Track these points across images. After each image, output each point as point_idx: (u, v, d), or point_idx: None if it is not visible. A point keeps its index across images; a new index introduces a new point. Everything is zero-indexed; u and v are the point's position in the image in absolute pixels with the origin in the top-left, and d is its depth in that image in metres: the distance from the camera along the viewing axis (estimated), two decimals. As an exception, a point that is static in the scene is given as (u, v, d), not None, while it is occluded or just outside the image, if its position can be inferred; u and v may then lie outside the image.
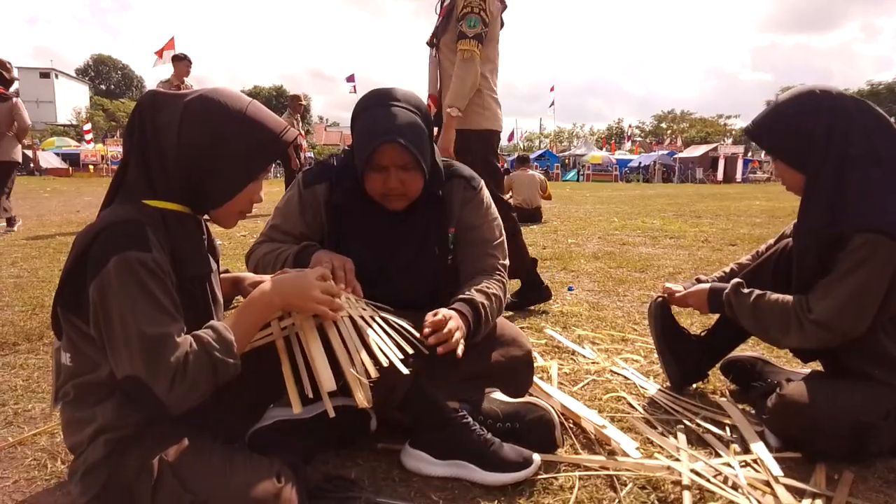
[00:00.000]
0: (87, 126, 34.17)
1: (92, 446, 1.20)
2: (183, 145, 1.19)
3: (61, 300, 1.19)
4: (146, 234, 1.14)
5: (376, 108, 1.59)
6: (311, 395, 1.28)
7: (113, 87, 74.20)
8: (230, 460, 1.19)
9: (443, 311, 1.49)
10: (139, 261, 1.11)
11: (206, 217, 1.33)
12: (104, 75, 75.37)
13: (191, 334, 1.16)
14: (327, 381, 1.26)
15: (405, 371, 1.32)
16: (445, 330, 1.43)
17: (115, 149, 34.84)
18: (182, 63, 7.32)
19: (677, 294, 2.00)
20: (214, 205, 1.27)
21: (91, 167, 31.26)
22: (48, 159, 30.26)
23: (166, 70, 12.39)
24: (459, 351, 1.43)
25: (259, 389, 1.41)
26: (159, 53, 12.99)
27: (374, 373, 1.29)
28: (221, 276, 1.47)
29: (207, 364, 1.14)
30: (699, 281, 2.06)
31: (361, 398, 1.28)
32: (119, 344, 1.10)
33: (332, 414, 1.29)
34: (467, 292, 1.61)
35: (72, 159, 32.06)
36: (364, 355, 1.31)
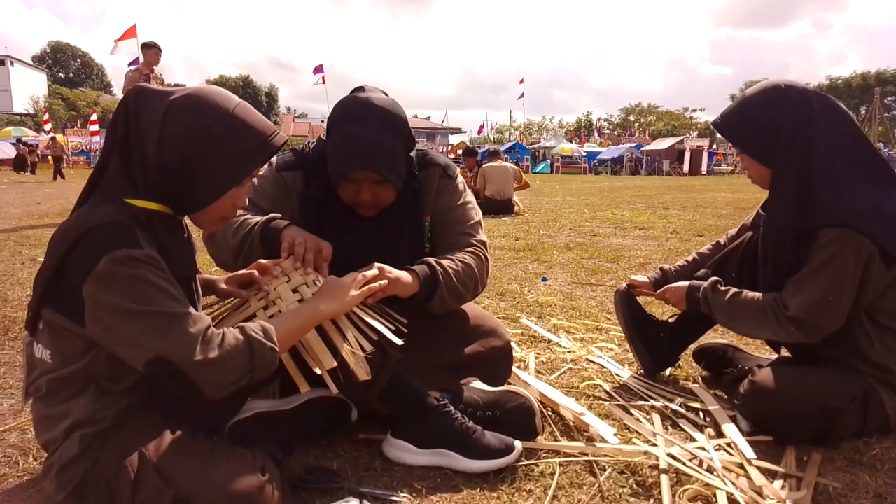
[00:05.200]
0: (46, 116, 33.00)
1: (67, 442, 1.17)
2: (164, 146, 1.15)
3: (47, 300, 1.14)
4: (136, 235, 1.11)
5: (355, 124, 1.57)
6: (317, 372, 1.29)
7: (72, 75, 71.86)
8: (212, 454, 1.17)
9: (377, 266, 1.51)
10: (132, 256, 1.08)
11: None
12: (62, 63, 72.89)
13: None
14: (327, 359, 1.27)
15: (398, 341, 1.36)
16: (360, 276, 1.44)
17: (75, 139, 33.76)
18: (152, 51, 7.08)
19: (658, 291, 2.01)
20: (195, 208, 1.23)
21: (50, 158, 30.23)
22: (4, 150, 29.22)
23: (123, 59, 12.07)
24: (371, 299, 1.43)
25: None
26: (118, 40, 12.58)
27: (368, 346, 1.31)
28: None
29: (244, 343, 1.12)
30: (662, 270, 2.11)
31: (361, 372, 1.31)
32: (133, 333, 1.07)
33: (334, 391, 1.32)
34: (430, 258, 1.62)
35: (30, 150, 30.92)
36: (355, 331, 1.34)
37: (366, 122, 1.56)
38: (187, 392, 1.11)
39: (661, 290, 2.00)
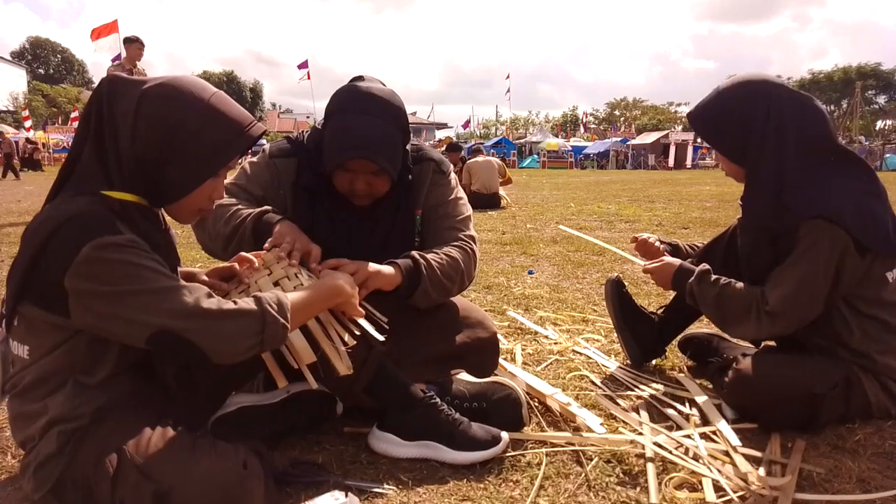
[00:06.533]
0: (26, 112, 32.42)
1: (44, 440, 1.15)
2: (137, 136, 1.13)
3: (23, 294, 1.12)
4: (115, 223, 1.09)
5: (353, 114, 1.55)
6: (295, 366, 1.27)
7: (52, 71, 70.72)
8: (194, 448, 1.15)
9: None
10: (114, 243, 1.06)
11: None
12: (42, 59, 71.66)
13: None
14: (306, 354, 1.25)
15: (381, 338, 1.35)
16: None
17: (56, 136, 33.25)
18: (134, 46, 6.98)
19: (647, 265, 1.92)
20: (170, 200, 1.21)
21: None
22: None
23: (105, 55, 11.88)
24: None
25: (222, 375, 1.37)
26: (94, 34, 12.38)
27: (350, 341, 1.30)
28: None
29: (257, 313, 1.12)
30: (677, 246, 2.05)
31: (342, 367, 1.29)
32: (129, 314, 1.06)
33: (314, 386, 1.30)
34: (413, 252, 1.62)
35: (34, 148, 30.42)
36: (337, 326, 1.32)
37: (364, 112, 1.55)
38: (194, 362, 1.10)
39: (647, 265, 1.91)
